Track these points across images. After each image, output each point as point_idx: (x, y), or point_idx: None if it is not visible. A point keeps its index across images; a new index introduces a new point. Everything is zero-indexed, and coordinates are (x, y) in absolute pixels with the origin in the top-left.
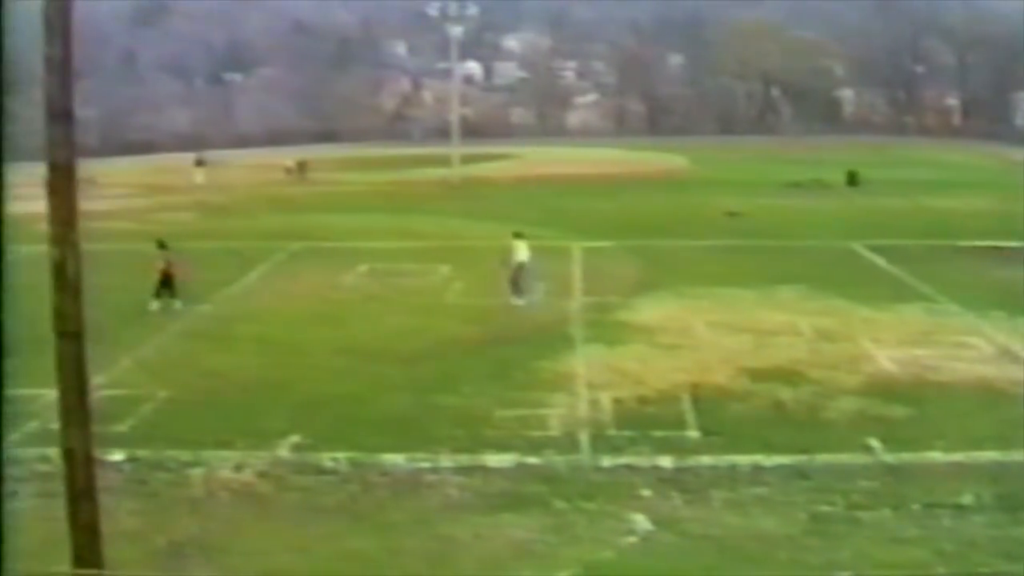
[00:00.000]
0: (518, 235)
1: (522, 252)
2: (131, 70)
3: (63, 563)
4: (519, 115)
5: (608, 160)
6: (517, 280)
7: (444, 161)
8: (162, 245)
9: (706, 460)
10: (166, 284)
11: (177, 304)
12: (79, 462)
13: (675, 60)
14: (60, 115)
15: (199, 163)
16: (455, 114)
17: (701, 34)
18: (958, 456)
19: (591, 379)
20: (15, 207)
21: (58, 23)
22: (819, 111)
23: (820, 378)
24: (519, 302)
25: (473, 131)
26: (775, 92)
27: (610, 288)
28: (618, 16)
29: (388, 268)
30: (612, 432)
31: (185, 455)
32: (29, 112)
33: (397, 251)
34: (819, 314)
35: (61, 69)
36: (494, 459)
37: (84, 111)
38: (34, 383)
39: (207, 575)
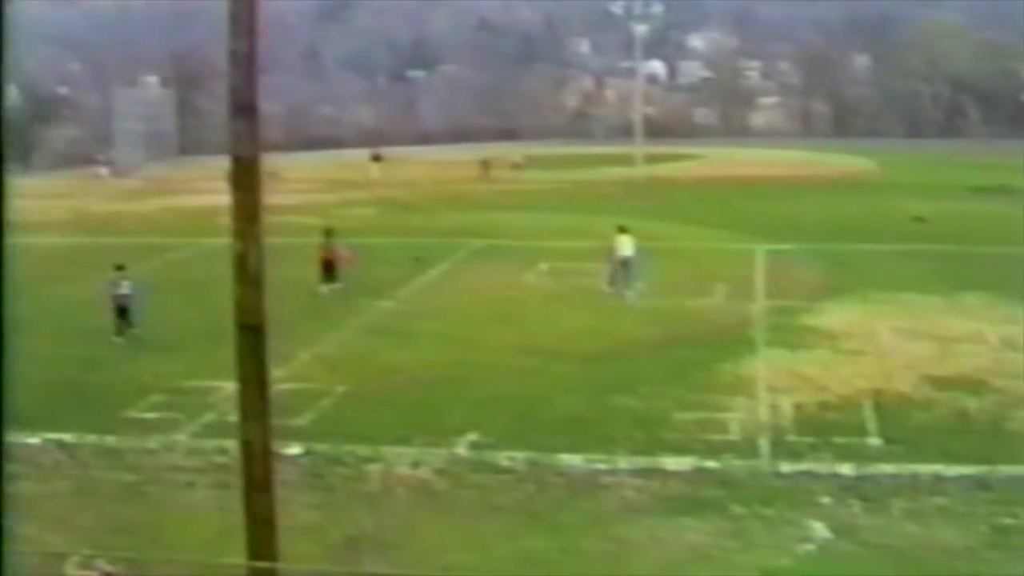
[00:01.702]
0: (622, 229)
1: (627, 247)
2: (315, 66)
3: (238, 555)
4: (702, 115)
5: (793, 162)
6: (619, 273)
7: (627, 160)
8: (328, 233)
9: (887, 468)
10: (328, 271)
11: (324, 289)
12: (257, 455)
13: (861, 61)
14: (245, 109)
15: (375, 159)
16: (638, 113)
17: (888, 35)
18: None
19: (772, 383)
20: (200, 200)
21: (244, 18)
22: (1007, 115)
23: (1004, 387)
24: (626, 295)
25: (656, 130)
26: (962, 95)
27: (793, 292)
28: (804, 15)
29: (569, 267)
30: (792, 438)
31: (363, 450)
32: (213, 106)
33: (578, 250)
34: (1004, 322)
35: (246, 64)
36: (672, 462)
37: (268, 106)
38: (213, 375)
39: (382, 571)
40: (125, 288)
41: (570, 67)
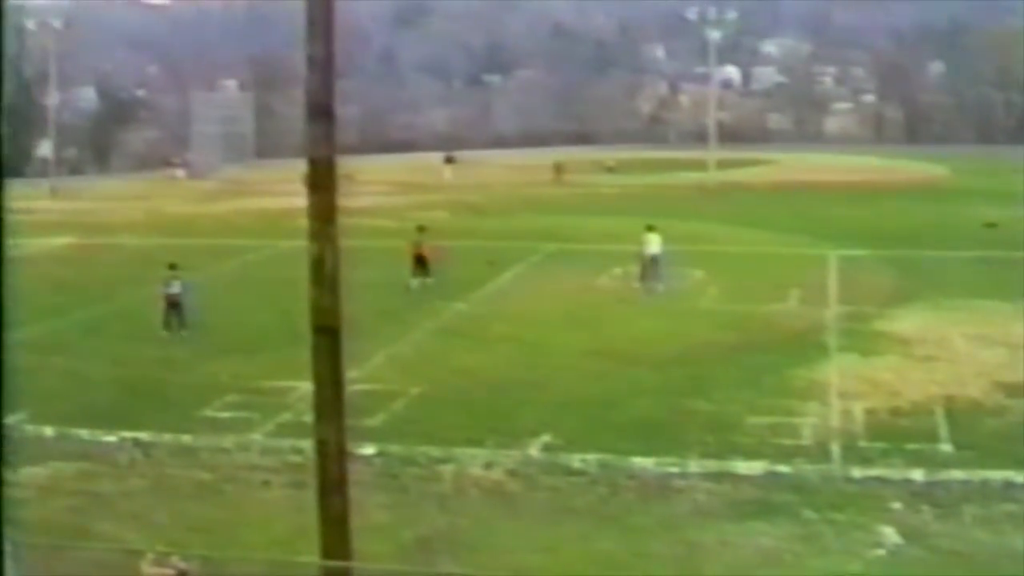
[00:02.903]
0: (650, 228)
1: (654, 245)
2: (391, 70)
3: (311, 554)
4: (776, 120)
5: (866, 168)
6: (648, 270)
7: (700, 165)
8: (420, 229)
9: (958, 475)
10: (420, 265)
11: (414, 283)
12: (332, 455)
13: (935, 67)
14: (321, 113)
15: (448, 161)
16: (712, 118)
17: (962, 42)
18: None
19: (844, 388)
20: (277, 202)
21: (321, 22)
22: None
23: None
24: (653, 290)
25: (730, 136)
26: None
27: (866, 297)
28: (879, 22)
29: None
30: (864, 443)
31: (436, 451)
32: (290, 110)
33: None
34: None
35: (323, 68)
36: (744, 466)
37: (344, 109)
38: (289, 376)
39: (455, 571)
40: (176, 287)
41: (644, 72)
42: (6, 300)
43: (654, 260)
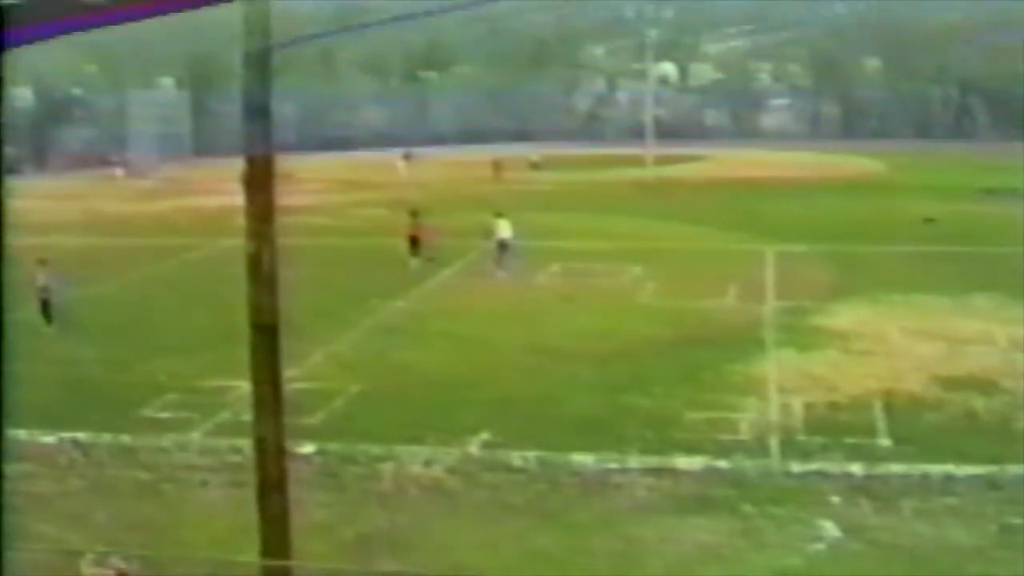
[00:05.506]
0: (499, 215)
1: (504, 230)
2: (328, 68)
3: (251, 553)
4: (713, 117)
5: (803, 163)
6: (499, 255)
7: (637, 162)
8: (414, 214)
9: (897, 468)
10: (414, 245)
11: (413, 262)
12: (270, 453)
13: (872, 63)
14: (258, 111)
15: (406, 157)
16: (649, 115)
17: (899, 37)
18: None
19: (782, 383)
20: (215, 201)
21: (257, 21)
22: (1016, 117)
23: (1014, 388)
24: (501, 276)
25: (667, 132)
26: (971, 97)
27: (803, 292)
28: (815, 18)
29: (581, 268)
30: (802, 438)
31: (375, 449)
32: (227, 108)
33: (590, 251)
34: (1014, 323)
35: (260, 66)
36: (683, 461)
37: (282, 108)
38: (228, 375)
39: (394, 569)
40: (44, 281)
41: (582, 69)
42: (6, 301)
43: (503, 245)
